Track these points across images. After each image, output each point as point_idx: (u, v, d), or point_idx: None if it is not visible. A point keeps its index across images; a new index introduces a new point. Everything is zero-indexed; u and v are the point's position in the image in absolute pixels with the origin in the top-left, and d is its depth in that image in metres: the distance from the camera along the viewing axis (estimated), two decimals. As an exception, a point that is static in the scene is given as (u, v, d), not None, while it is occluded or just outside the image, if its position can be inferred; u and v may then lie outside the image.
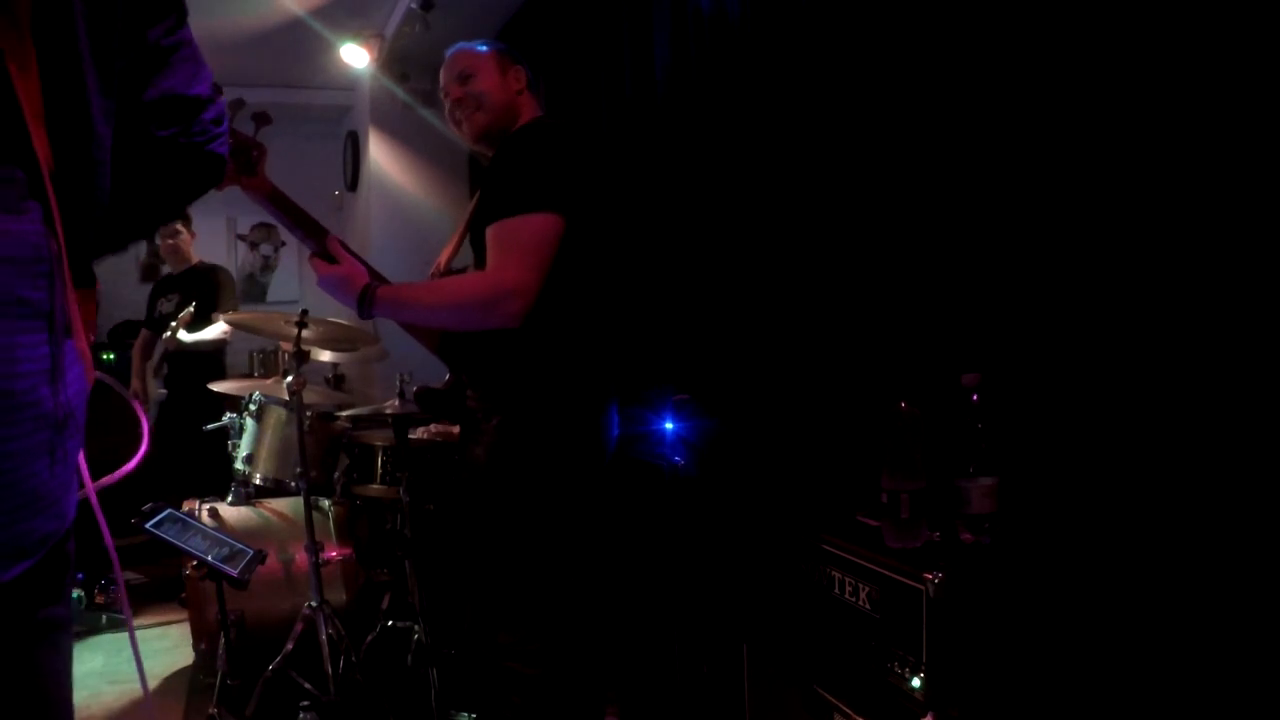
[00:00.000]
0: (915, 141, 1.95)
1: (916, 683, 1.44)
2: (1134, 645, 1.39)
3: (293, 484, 2.94)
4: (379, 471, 2.92)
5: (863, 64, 2.10)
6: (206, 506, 3.04)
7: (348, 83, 5.68)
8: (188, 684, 3.05)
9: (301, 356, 2.65)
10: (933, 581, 1.41)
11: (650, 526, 2.35)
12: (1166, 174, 1.42)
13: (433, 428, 3.09)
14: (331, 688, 2.47)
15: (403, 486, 2.68)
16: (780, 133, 2.41)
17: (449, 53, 1.98)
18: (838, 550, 1.64)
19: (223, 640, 2.46)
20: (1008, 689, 1.43)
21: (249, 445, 3.03)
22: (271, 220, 1.90)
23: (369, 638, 2.84)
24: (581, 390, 1.84)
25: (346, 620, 2.73)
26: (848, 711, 1.58)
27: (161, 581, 3.77)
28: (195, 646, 2.92)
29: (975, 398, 1.56)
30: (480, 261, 1.82)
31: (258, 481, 3.02)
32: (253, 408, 3.07)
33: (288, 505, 3.12)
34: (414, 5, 4.24)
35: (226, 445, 3.20)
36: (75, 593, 3.46)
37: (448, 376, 2.06)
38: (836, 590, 1.64)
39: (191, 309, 3.84)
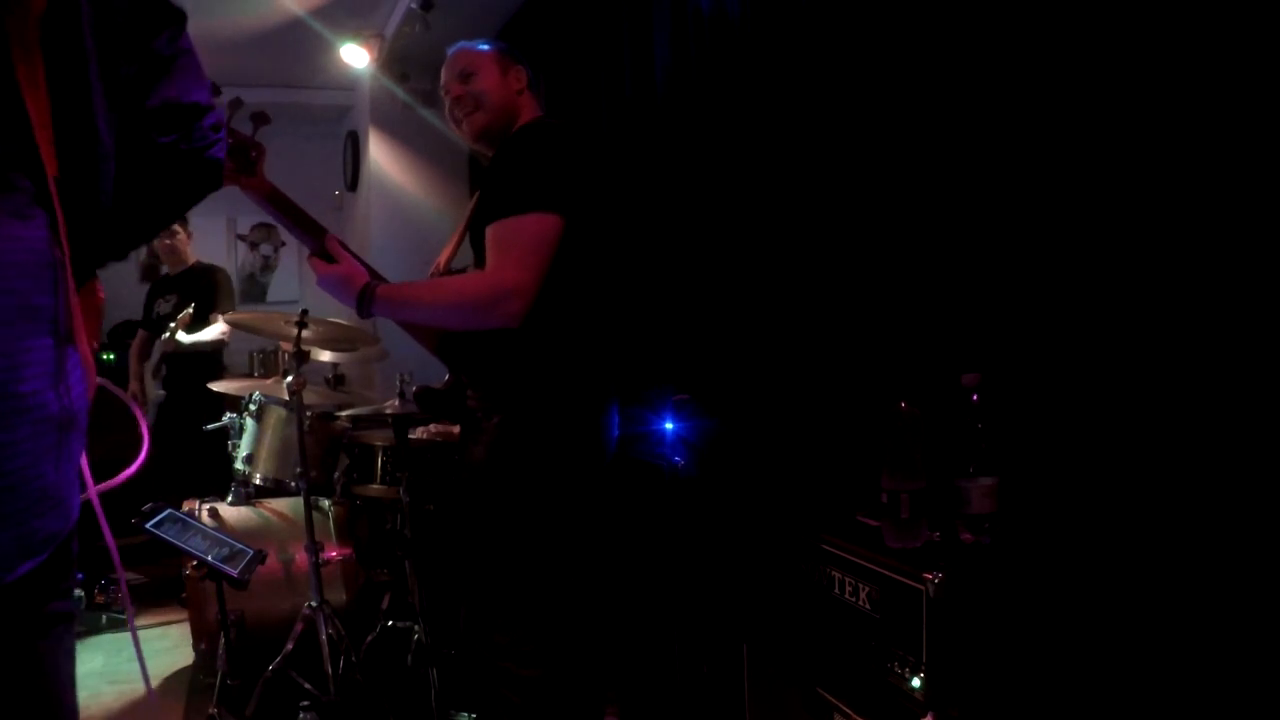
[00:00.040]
0: (915, 142, 1.95)
1: (916, 683, 1.44)
2: (1134, 645, 1.39)
3: (293, 484, 2.94)
4: (379, 471, 2.92)
5: (863, 64, 2.10)
6: (206, 506, 3.04)
7: (348, 83, 5.68)
8: (188, 684, 3.05)
9: (301, 356, 2.65)
10: (933, 581, 1.41)
11: (650, 526, 2.35)
12: (1166, 174, 1.42)
13: (433, 428, 3.09)
14: (331, 688, 2.47)
15: (403, 486, 2.68)
16: (780, 133, 2.41)
17: (450, 51, 1.98)
18: (838, 550, 1.64)
19: (223, 640, 2.46)
20: (1008, 689, 1.43)
21: (249, 445, 3.03)
22: (270, 220, 1.90)
23: (369, 638, 2.84)
24: (582, 390, 1.84)
25: (346, 620, 2.73)
26: (848, 711, 1.58)
27: (161, 581, 3.77)
28: (195, 646, 2.92)
29: (975, 398, 1.56)
30: (480, 261, 1.82)
31: (258, 481, 3.02)
32: (253, 408, 3.07)
33: (288, 505, 3.12)
34: (414, 5, 4.25)
35: (226, 445, 3.20)
36: (76, 592, 3.45)
37: (447, 376, 2.06)
38: (836, 590, 1.64)
39: (190, 310, 3.84)
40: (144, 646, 3.36)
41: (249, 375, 4.78)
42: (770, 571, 1.86)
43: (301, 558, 2.86)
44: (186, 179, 0.95)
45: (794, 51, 2.35)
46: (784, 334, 2.41)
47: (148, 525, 2.23)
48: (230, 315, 3.44)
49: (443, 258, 2.04)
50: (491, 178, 1.80)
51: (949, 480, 1.57)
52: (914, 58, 1.94)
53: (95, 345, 0.88)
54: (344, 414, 3.12)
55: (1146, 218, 1.46)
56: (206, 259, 4.37)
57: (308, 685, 2.51)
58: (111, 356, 5.04)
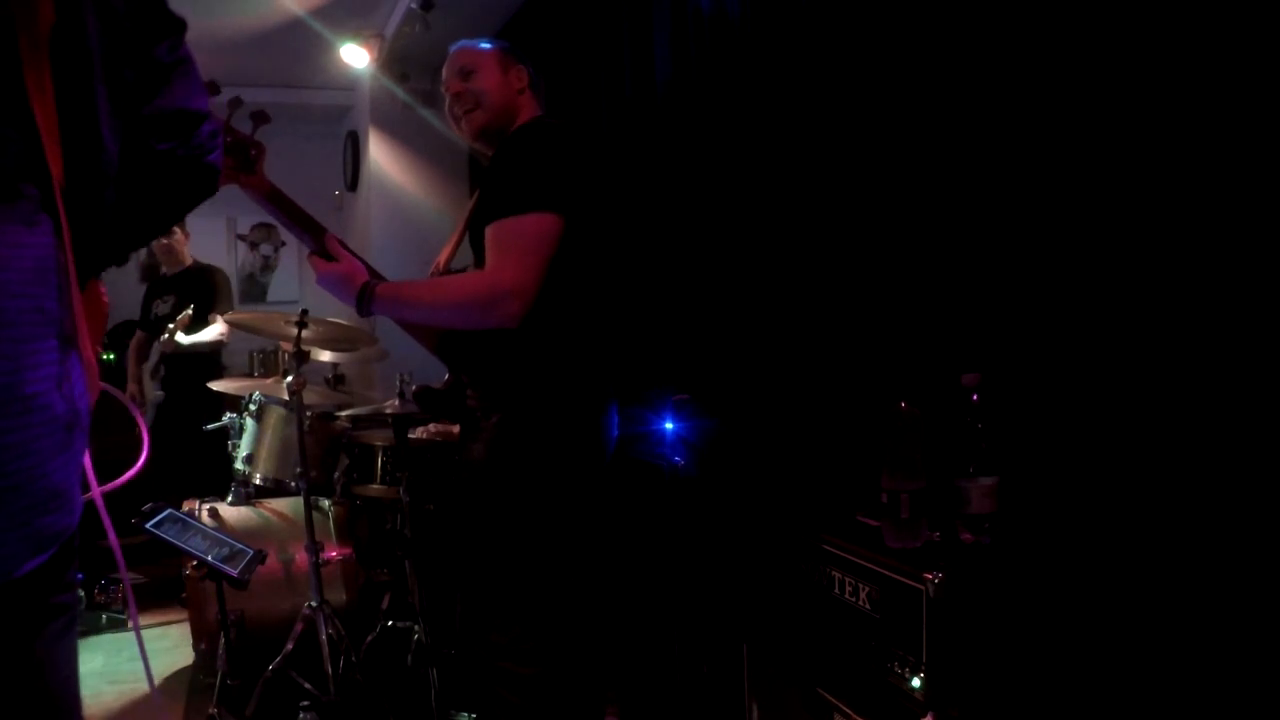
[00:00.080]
0: (915, 142, 1.95)
1: (916, 683, 1.44)
2: (1134, 645, 1.39)
3: (293, 484, 2.94)
4: (379, 471, 2.92)
5: (863, 64, 2.10)
6: (206, 506, 3.04)
7: (348, 83, 5.68)
8: (188, 684, 3.05)
9: (301, 356, 2.65)
10: (933, 581, 1.41)
11: (650, 526, 2.35)
12: (1166, 175, 1.42)
13: (432, 427, 3.09)
14: (331, 688, 2.47)
15: (403, 486, 2.68)
16: (780, 133, 2.41)
17: (452, 48, 1.99)
18: (838, 550, 1.64)
19: (223, 640, 2.46)
20: (1008, 689, 1.43)
21: (249, 445, 3.03)
22: (270, 218, 1.90)
23: (369, 638, 2.84)
24: (581, 389, 1.84)
25: (346, 620, 2.73)
26: (848, 711, 1.58)
27: (161, 581, 3.77)
28: (195, 646, 2.92)
29: (975, 398, 1.56)
30: (480, 261, 1.82)
31: (258, 481, 3.02)
32: (253, 408, 3.07)
33: (288, 505, 3.12)
34: (414, 5, 4.24)
35: (226, 445, 3.20)
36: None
37: (447, 376, 2.07)
38: (836, 590, 1.64)
39: (190, 312, 3.84)
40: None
41: (249, 375, 4.78)
42: (770, 571, 1.86)
43: (301, 558, 2.86)
44: (184, 184, 0.96)
45: (794, 51, 2.35)
46: (784, 334, 2.41)
47: (148, 525, 2.23)
48: (230, 315, 3.44)
49: (442, 257, 2.04)
50: (491, 177, 1.80)
51: (949, 480, 1.57)
52: (914, 58, 1.94)
53: (99, 348, 0.88)
54: (344, 414, 3.12)
55: (1146, 218, 1.46)
56: (206, 259, 4.36)
57: (308, 685, 2.51)
58: (111, 356, 5.04)
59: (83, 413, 0.82)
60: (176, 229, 4.12)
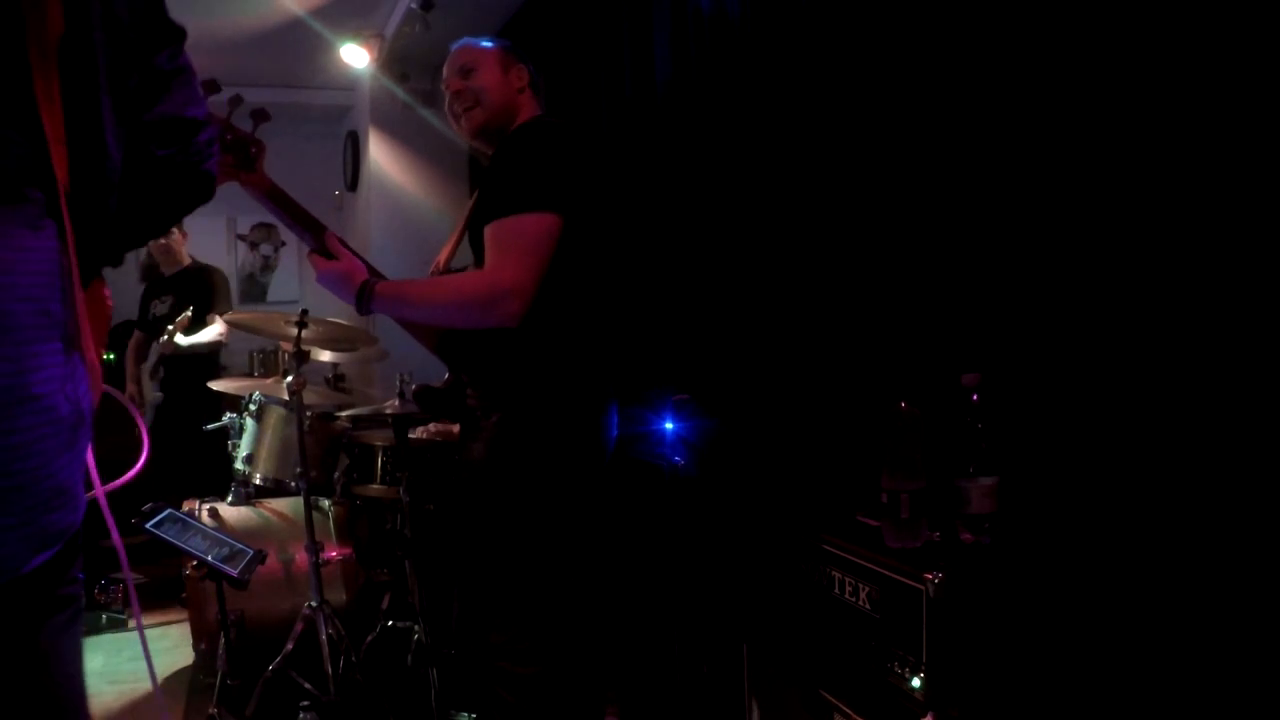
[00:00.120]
0: (915, 141, 1.95)
1: (916, 683, 1.44)
2: (1134, 645, 1.39)
3: (293, 484, 2.94)
4: (379, 471, 2.92)
5: (863, 64, 2.10)
6: (206, 506, 3.04)
7: (348, 83, 5.68)
8: (188, 684, 3.05)
9: (301, 356, 2.65)
10: (933, 581, 1.41)
11: (650, 526, 2.35)
12: (1166, 174, 1.42)
13: (433, 427, 3.09)
14: (331, 688, 2.47)
15: (403, 486, 2.68)
16: (780, 133, 2.41)
17: (453, 46, 1.99)
18: (838, 550, 1.64)
19: (223, 640, 2.46)
20: (1008, 689, 1.43)
21: (249, 445, 3.03)
22: (269, 216, 1.90)
23: (369, 638, 2.84)
24: (581, 389, 1.84)
25: (346, 620, 2.73)
26: (848, 711, 1.58)
27: (161, 581, 3.77)
28: (195, 646, 2.92)
29: (975, 398, 1.56)
30: (480, 261, 1.82)
31: (258, 481, 3.02)
32: (253, 408, 3.07)
33: (288, 505, 3.12)
34: (414, 5, 4.24)
35: (226, 445, 3.20)
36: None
37: (447, 375, 2.07)
38: (836, 590, 1.64)
39: (189, 313, 3.84)
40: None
41: (249, 375, 4.79)
42: (770, 571, 1.86)
43: (301, 558, 2.86)
44: (181, 190, 0.99)
45: (794, 51, 2.35)
46: (784, 334, 2.41)
47: (148, 525, 2.23)
48: (230, 315, 3.44)
49: (442, 257, 2.04)
50: (490, 177, 1.80)
51: (949, 480, 1.57)
52: (914, 58, 1.94)
53: (102, 350, 0.90)
54: (344, 414, 3.12)
55: (1146, 218, 1.46)
56: (206, 259, 4.36)
57: (308, 685, 2.51)
58: (112, 356, 5.04)
59: (86, 413, 0.84)
60: (174, 229, 4.11)
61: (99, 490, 0.92)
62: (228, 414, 3.22)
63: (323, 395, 3.30)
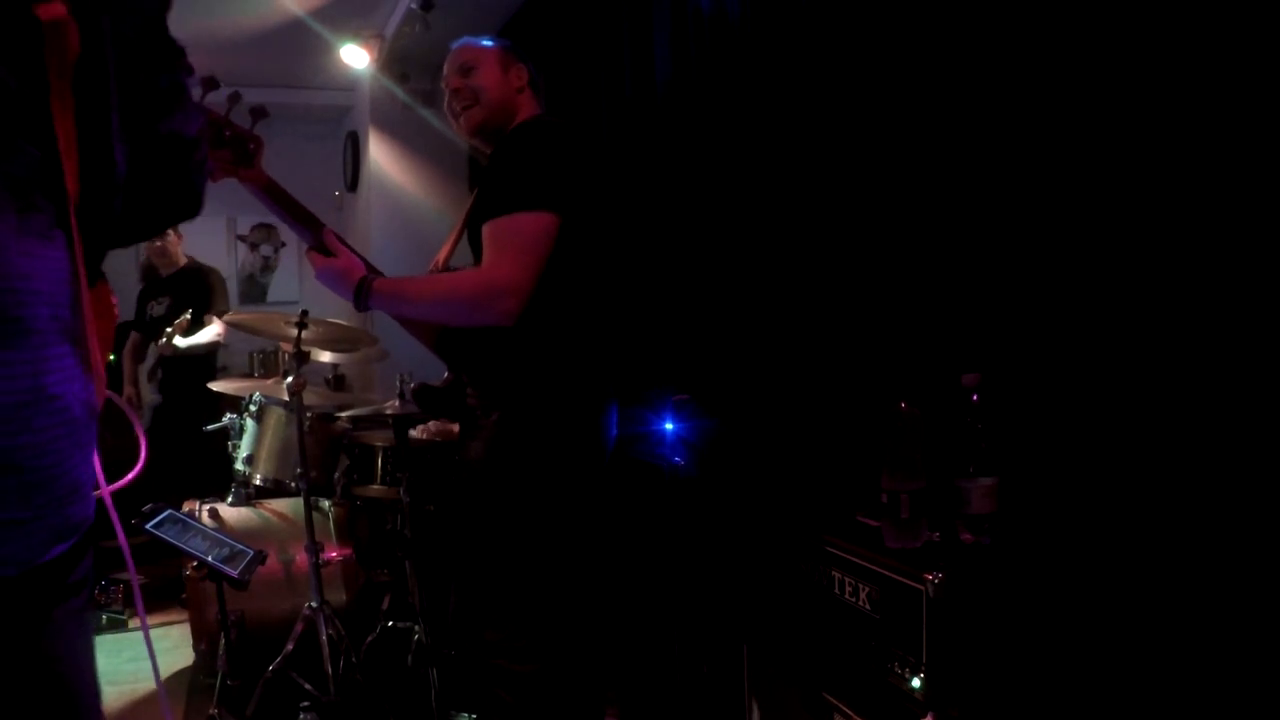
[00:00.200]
0: (915, 141, 1.95)
1: (916, 683, 1.44)
2: (1134, 645, 1.39)
3: (293, 484, 2.93)
4: (379, 472, 2.92)
5: (863, 64, 2.10)
6: (207, 507, 3.04)
7: (348, 83, 5.68)
8: (188, 684, 3.05)
9: (301, 357, 2.65)
10: (933, 581, 1.41)
11: (650, 526, 2.35)
12: (1165, 174, 1.42)
13: (433, 426, 3.09)
14: (331, 688, 2.47)
15: (403, 487, 2.68)
16: (780, 133, 2.41)
17: (453, 45, 1.99)
18: (838, 550, 1.64)
19: (223, 640, 2.46)
20: (1008, 689, 1.43)
21: (249, 446, 3.03)
22: (267, 212, 1.90)
23: (369, 638, 2.84)
24: (580, 387, 1.84)
25: (346, 620, 2.73)
26: (848, 712, 1.58)
27: (161, 582, 3.77)
28: (195, 647, 2.92)
29: (975, 398, 1.56)
30: (479, 260, 1.82)
31: (258, 482, 3.02)
32: (253, 408, 3.07)
33: (288, 506, 3.12)
34: (414, 5, 4.24)
35: (226, 446, 3.20)
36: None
37: (446, 374, 2.07)
38: (836, 590, 1.64)
39: (188, 315, 3.83)
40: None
41: (249, 376, 4.79)
42: (770, 572, 1.86)
43: (301, 558, 2.86)
44: (173, 205, 1.04)
45: (794, 52, 2.35)
46: (784, 334, 2.41)
47: (148, 526, 2.23)
48: (230, 316, 3.44)
49: (441, 255, 2.04)
50: (489, 175, 1.80)
51: (949, 480, 1.57)
52: (914, 58, 1.94)
53: (107, 353, 0.93)
54: (344, 414, 3.12)
55: (1146, 218, 1.46)
56: (206, 259, 4.35)
57: (308, 685, 2.51)
58: (112, 357, 5.04)
59: (93, 414, 0.89)
60: (169, 230, 4.11)
61: (104, 490, 0.95)
62: (228, 415, 3.22)
63: (323, 396, 3.29)
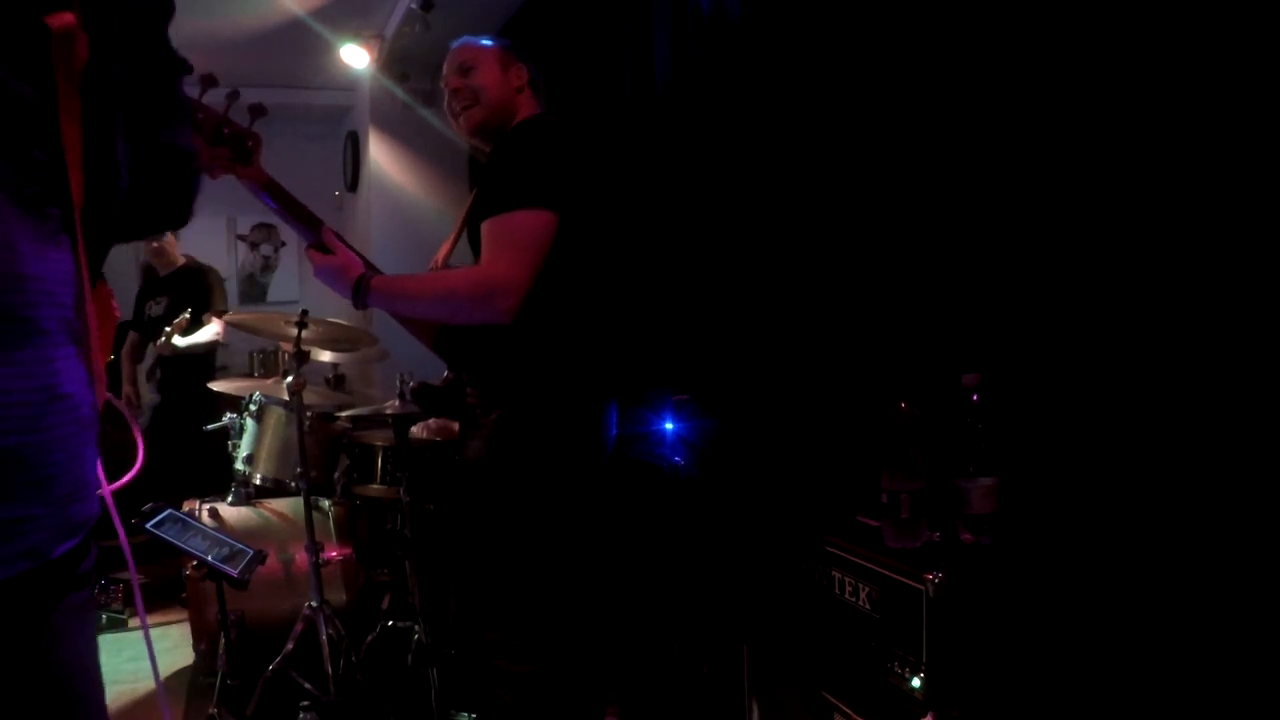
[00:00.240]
0: (915, 142, 1.95)
1: (916, 683, 1.44)
2: (1134, 645, 1.39)
3: (293, 484, 2.93)
4: (379, 471, 2.92)
5: (863, 64, 2.10)
6: (207, 506, 3.04)
7: (348, 83, 5.68)
8: (188, 684, 3.05)
9: (301, 357, 2.65)
10: (933, 581, 1.41)
11: (650, 526, 2.35)
12: (1165, 174, 1.42)
13: (433, 423, 3.09)
14: (331, 688, 2.47)
15: (403, 486, 2.68)
16: (780, 133, 2.41)
17: (454, 44, 2.00)
18: (838, 550, 1.64)
19: (223, 640, 2.46)
20: (1008, 689, 1.43)
21: (249, 445, 3.03)
22: (267, 212, 1.91)
23: (369, 638, 2.84)
24: (580, 386, 1.84)
25: (346, 620, 2.73)
26: (848, 711, 1.58)
27: (161, 581, 3.77)
28: (195, 646, 2.92)
29: (975, 398, 1.56)
30: (478, 259, 1.82)
31: (258, 482, 3.02)
32: (253, 408, 3.07)
33: (288, 505, 3.12)
34: (414, 5, 4.24)
35: (227, 445, 3.21)
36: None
37: (446, 373, 2.07)
38: (836, 590, 1.64)
39: (187, 315, 3.83)
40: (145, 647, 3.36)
41: (249, 375, 4.79)
42: (770, 572, 1.86)
43: (301, 558, 2.86)
44: (164, 214, 1.07)
45: (794, 52, 2.35)
46: (784, 334, 2.41)
47: (148, 525, 2.23)
48: (230, 315, 3.44)
49: (441, 254, 2.04)
50: (488, 174, 1.81)
51: (949, 480, 1.57)
52: (914, 58, 1.94)
53: (107, 354, 0.97)
54: (344, 414, 3.12)
55: (1146, 218, 1.46)
56: (206, 259, 4.35)
57: (308, 685, 2.51)
58: (112, 357, 5.04)
59: (96, 412, 0.91)
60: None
61: (105, 490, 0.97)
62: (228, 414, 3.22)
63: (323, 395, 3.30)
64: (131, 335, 4.36)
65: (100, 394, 0.91)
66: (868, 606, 1.56)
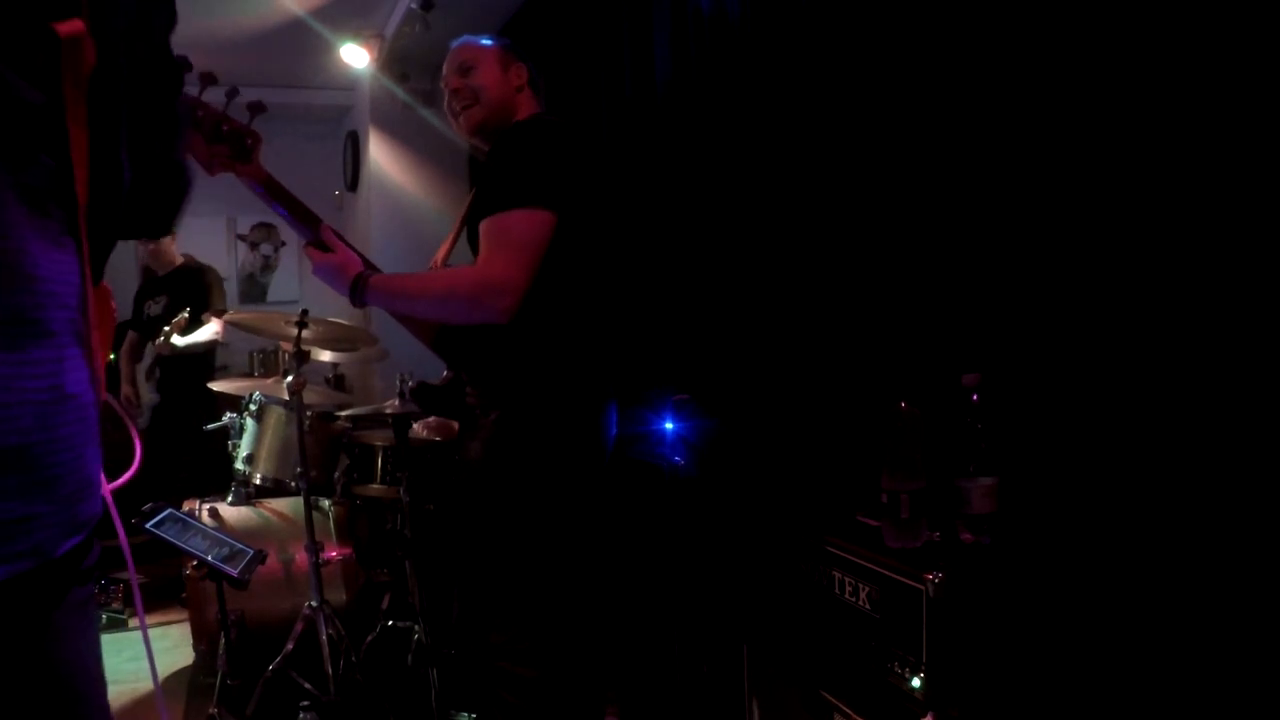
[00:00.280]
0: (915, 142, 1.95)
1: (916, 683, 1.44)
2: (1133, 645, 1.39)
3: (293, 484, 2.93)
4: (379, 471, 2.92)
5: (862, 64, 2.10)
6: (207, 506, 3.04)
7: (348, 83, 5.68)
8: (188, 684, 3.05)
9: (301, 356, 2.65)
10: (933, 581, 1.41)
11: (650, 526, 2.35)
12: (1165, 174, 1.42)
13: (433, 421, 3.09)
14: (331, 688, 2.47)
15: (403, 486, 2.68)
16: (780, 133, 2.41)
17: (453, 44, 1.99)
18: (838, 550, 1.64)
19: (223, 640, 2.46)
20: (1008, 689, 1.43)
21: (249, 445, 3.03)
22: (267, 211, 1.91)
23: (369, 638, 2.84)
24: (580, 386, 1.84)
25: (346, 620, 2.73)
26: (848, 711, 1.58)
27: (161, 581, 3.77)
28: (195, 646, 2.92)
29: (975, 398, 1.56)
30: (477, 258, 1.82)
31: (258, 481, 3.02)
32: (253, 408, 3.07)
33: (288, 505, 3.12)
34: (414, 5, 4.24)
35: (226, 445, 3.21)
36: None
37: (445, 373, 2.06)
38: (837, 590, 1.64)
39: (186, 315, 3.83)
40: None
41: (249, 375, 4.78)
42: (770, 572, 1.86)
43: (301, 558, 2.86)
44: (154, 220, 1.08)
45: (794, 52, 2.35)
46: (784, 334, 2.41)
47: (148, 525, 2.23)
48: (230, 315, 3.44)
49: (440, 254, 2.04)
50: (487, 173, 1.80)
51: (949, 480, 1.57)
52: (914, 58, 1.94)
53: (107, 354, 0.97)
54: (344, 414, 3.12)
55: (1145, 218, 1.46)
56: (206, 259, 4.35)
57: (308, 685, 2.51)
58: (112, 356, 5.04)
59: (99, 412, 0.93)
60: None
61: (105, 490, 0.97)
62: (228, 414, 3.22)
63: (323, 395, 3.29)
64: (130, 335, 4.36)
65: (100, 394, 0.92)
66: (868, 606, 1.56)
